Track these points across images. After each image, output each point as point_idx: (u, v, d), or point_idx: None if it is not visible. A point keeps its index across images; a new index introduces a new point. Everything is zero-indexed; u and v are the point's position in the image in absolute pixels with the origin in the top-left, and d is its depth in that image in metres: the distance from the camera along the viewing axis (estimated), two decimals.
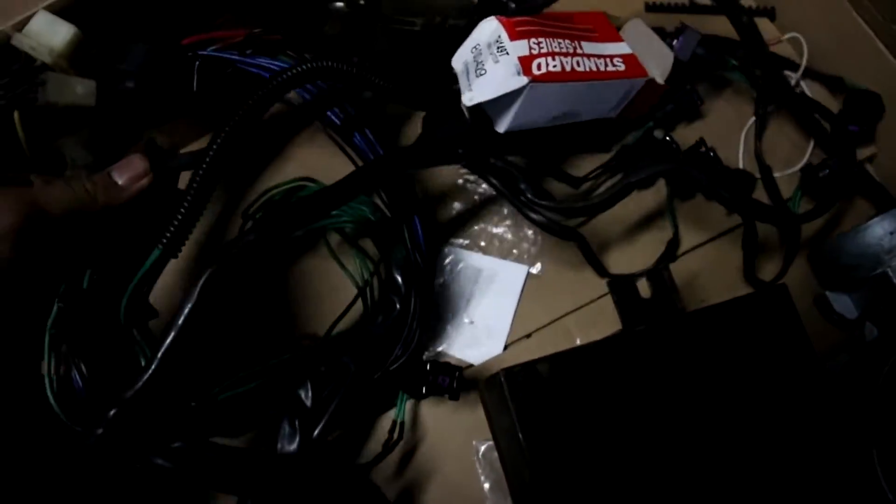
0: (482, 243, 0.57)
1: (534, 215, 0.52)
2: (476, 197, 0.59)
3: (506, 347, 0.55)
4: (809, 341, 0.48)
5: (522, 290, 0.56)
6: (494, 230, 0.58)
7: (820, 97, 0.62)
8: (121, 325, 0.43)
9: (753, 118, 0.61)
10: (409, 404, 0.53)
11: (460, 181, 0.59)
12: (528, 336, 0.56)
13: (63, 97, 0.46)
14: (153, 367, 0.37)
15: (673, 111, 0.59)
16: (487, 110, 0.50)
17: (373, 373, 0.49)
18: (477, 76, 0.48)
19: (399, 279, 0.50)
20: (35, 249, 0.35)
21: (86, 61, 0.48)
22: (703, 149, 0.57)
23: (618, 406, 0.44)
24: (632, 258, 0.58)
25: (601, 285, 0.55)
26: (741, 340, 0.47)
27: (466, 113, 0.49)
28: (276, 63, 0.52)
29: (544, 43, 0.48)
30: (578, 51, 0.50)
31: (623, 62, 0.52)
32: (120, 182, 0.39)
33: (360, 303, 0.53)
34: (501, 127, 0.50)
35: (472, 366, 0.54)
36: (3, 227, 0.33)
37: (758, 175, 0.59)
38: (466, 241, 0.57)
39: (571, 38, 0.51)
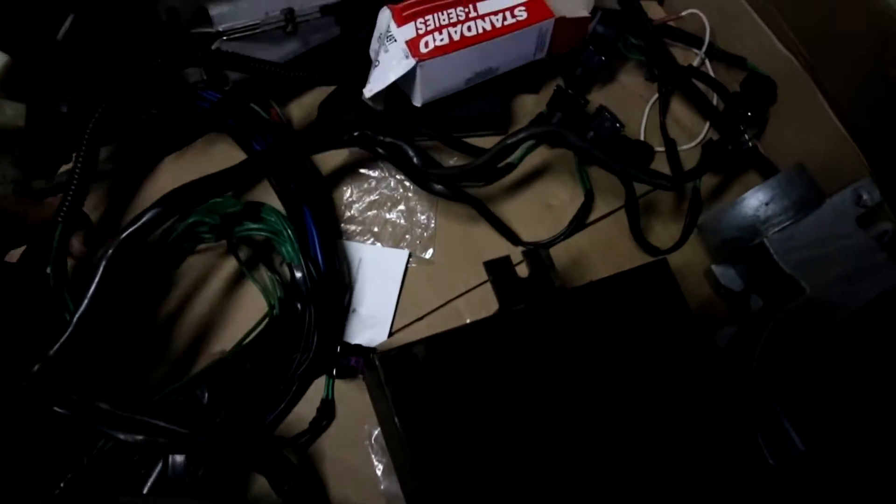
0: (375, 229, 0.58)
1: (430, 184, 0.54)
2: (371, 182, 0.59)
3: (394, 333, 0.56)
4: (691, 314, 0.49)
5: (405, 275, 0.57)
6: (388, 216, 0.58)
7: (723, 76, 0.63)
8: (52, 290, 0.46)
9: (657, 95, 0.62)
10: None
11: (355, 168, 0.60)
12: (421, 319, 0.56)
13: None
14: (70, 329, 0.44)
15: (582, 74, 0.60)
16: (402, 88, 0.52)
17: (270, 370, 0.51)
18: (373, 67, 0.52)
19: (300, 285, 0.51)
20: None
21: (15, 85, 0.50)
22: (607, 114, 0.57)
23: (497, 386, 0.45)
24: (544, 221, 0.59)
25: None
26: (623, 316, 0.47)
27: (371, 104, 0.52)
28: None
29: (431, 20, 0.50)
30: (471, 14, 0.52)
31: (526, 10, 0.53)
32: None
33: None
34: (417, 101, 0.52)
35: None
36: None
37: (658, 148, 0.60)
38: (359, 228, 0.58)
39: (464, 3, 0.52)
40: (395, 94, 0.54)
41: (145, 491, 0.47)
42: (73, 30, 0.53)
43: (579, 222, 0.57)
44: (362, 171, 0.59)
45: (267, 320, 0.53)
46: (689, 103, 0.64)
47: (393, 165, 0.55)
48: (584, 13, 0.56)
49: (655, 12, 0.66)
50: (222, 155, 0.58)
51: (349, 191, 0.59)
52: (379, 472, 0.52)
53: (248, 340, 0.52)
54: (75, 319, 0.44)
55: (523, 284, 0.48)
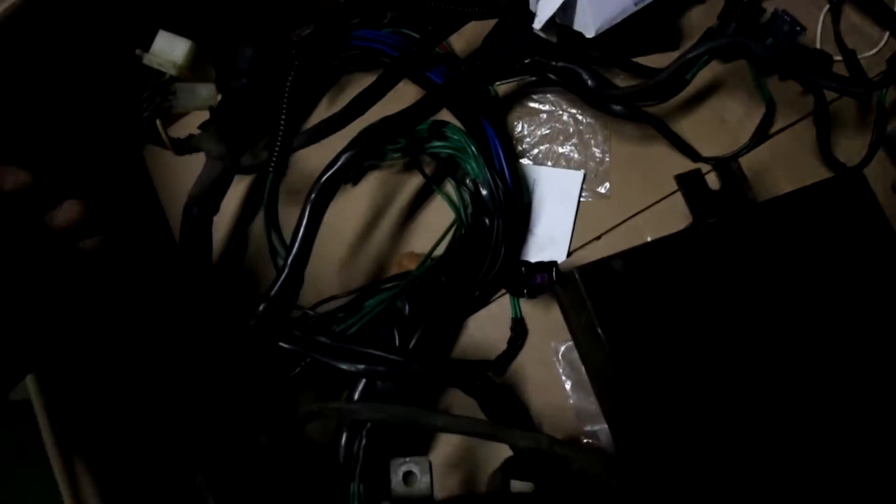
0: (549, 163, 0.58)
1: (608, 105, 0.54)
2: (542, 116, 0.59)
3: (571, 253, 0.56)
4: (890, 226, 0.48)
5: (579, 203, 0.57)
6: (560, 150, 0.58)
7: None
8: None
9: (826, 6, 0.59)
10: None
11: (525, 101, 0.60)
12: (598, 238, 0.56)
13: (192, 103, 0.53)
14: (286, 271, 0.46)
15: None
16: (572, 24, 0.51)
17: (465, 286, 0.52)
18: (538, 1, 0.51)
19: (487, 199, 0.52)
20: None
21: (203, 68, 0.54)
22: (787, 17, 0.54)
23: (694, 299, 0.45)
24: (719, 138, 0.57)
25: (670, 184, 0.55)
26: (818, 229, 0.47)
27: (544, 35, 0.52)
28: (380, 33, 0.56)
29: None
30: None
31: None
32: None
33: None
34: (590, 31, 0.51)
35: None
36: None
37: (836, 58, 0.58)
38: (531, 163, 0.58)
39: None
40: (566, 31, 0.53)
41: (356, 396, 0.49)
42: None
43: (762, 134, 0.56)
44: (532, 104, 0.59)
45: (455, 233, 0.55)
46: (865, 11, 0.60)
47: (567, 90, 0.55)
48: None
49: None
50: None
51: (520, 125, 0.59)
52: (568, 387, 0.53)
53: (439, 254, 0.54)
54: (289, 261, 0.47)
55: (716, 197, 0.47)
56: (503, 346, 0.54)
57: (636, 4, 0.52)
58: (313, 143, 0.53)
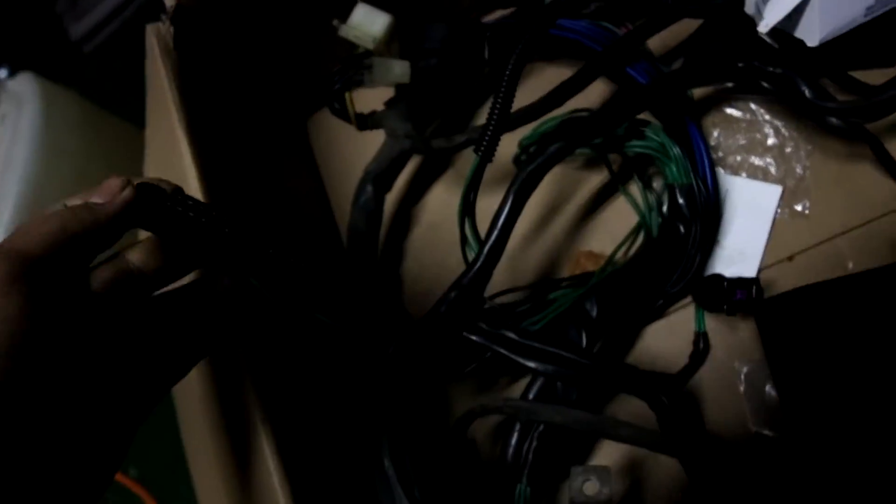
0: (743, 174, 0.55)
1: (825, 117, 0.51)
2: (741, 124, 0.56)
3: (761, 271, 0.53)
4: None
5: (777, 212, 0.54)
6: (757, 162, 0.55)
7: None
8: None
9: None
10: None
11: (722, 107, 0.57)
12: (790, 259, 0.53)
13: (385, 78, 0.52)
14: (481, 259, 0.45)
15: None
16: (793, 31, 0.48)
17: (654, 293, 0.51)
18: (766, 4, 0.48)
19: (683, 206, 0.50)
20: (52, 297, 0.29)
21: (397, 44, 0.53)
22: None
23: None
24: None
25: (875, 208, 0.52)
26: None
27: (769, 40, 0.49)
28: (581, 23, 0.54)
29: None
30: None
31: None
32: (99, 200, 0.33)
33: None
34: (814, 40, 0.47)
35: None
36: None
37: None
38: (726, 172, 0.56)
39: None
40: (783, 36, 0.50)
41: (531, 396, 0.48)
42: None
43: None
44: (730, 111, 0.57)
45: (642, 238, 0.53)
46: None
47: (777, 99, 0.52)
48: None
49: None
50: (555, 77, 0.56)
51: (716, 132, 0.56)
52: (748, 410, 0.50)
53: (620, 257, 0.52)
54: (486, 250, 0.45)
55: None
56: (680, 359, 0.52)
57: (866, 16, 0.49)
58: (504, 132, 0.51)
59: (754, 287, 0.47)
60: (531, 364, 0.45)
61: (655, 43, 0.57)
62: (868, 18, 0.49)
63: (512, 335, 0.46)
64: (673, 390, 0.47)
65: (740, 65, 0.51)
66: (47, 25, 1.13)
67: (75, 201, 0.33)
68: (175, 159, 0.49)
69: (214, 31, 0.54)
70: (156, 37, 0.52)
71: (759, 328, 0.50)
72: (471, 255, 0.48)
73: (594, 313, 0.49)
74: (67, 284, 0.30)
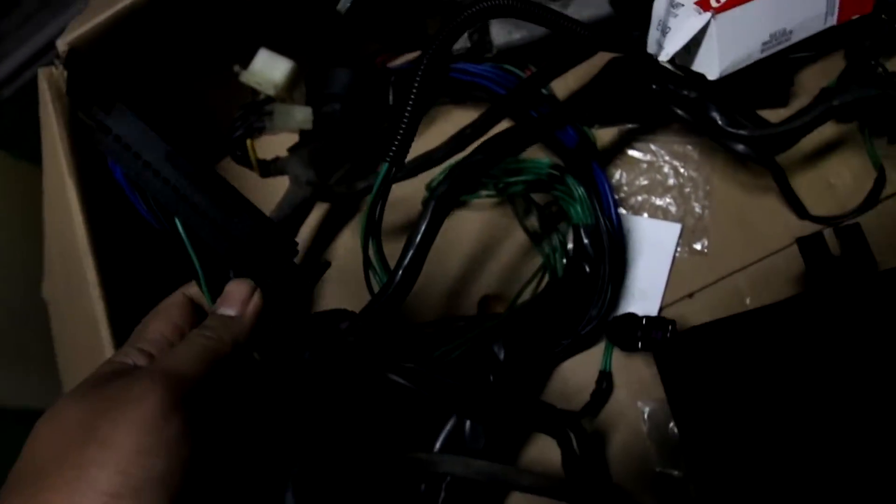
0: (645, 215, 0.56)
1: (732, 143, 0.51)
2: (643, 165, 0.58)
3: (662, 309, 0.54)
4: None
5: (677, 251, 0.55)
6: (658, 202, 0.56)
7: None
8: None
9: None
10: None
11: (628, 151, 0.58)
12: (691, 296, 0.54)
13: (287, 125, 0.51)
14: (397, 280, 0.43)
15: (871, 46, 0.55)
16: (691, 66, 0.50)
17: (562, 333, 0.51)
18: (664, 36, 0.49)
19: (587, 245, 0.51)
20: (201, 419, 0.30)
21: (298, 90, 0.52)
22: None
23: (807, 371, 0.43)
24: (824, 201, 0.55)
25: (771, 244, 0.54)
26: None
27: (672, 68, 0.50)
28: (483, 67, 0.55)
29: None
30: None
31: None
32: (234, 314, 0.34)
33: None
34: (713, 73, 0.49)
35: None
36: (155, 418, 0.28)
37: None
38: (628, 213, 0.57)
39: None
40: (685, 72, 0.51)
41: (438, 445, 0.47)
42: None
43: (873, 199, 0.53)
44: (632, 152, 0.58)
45: (547, 279, 0.53)
46: None
47: (688, 125, 0.53)
48: None
49: None
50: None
51: (618, 173, 0.57)
52: (653, 450, 0.50)
53: (534, 296, 0.52)
54: (401, 272, 0.44)
55: (837, 264, 0.45)
56: (587, 396, 0.52)
57: (762, 52, 0.51)
58: (411, 176, 0.51)
59: (670, 327, 0.48)
60: (436, 400, 0.44)
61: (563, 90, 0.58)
62: (764, 54, 0.51)
63: (418, 369, 0.45)
64: (579, 427, 0.47)
65: (654, 87, 0.52)
66: None
67: (192, 290, 0.35)
68: (63, 207, 0.47)
69: (109, 76, 0.53)
70: (47, 81, 0.51)
71: (659, 368, 0.50)
72: (375, 282, 0.46)
73: (501, 356, 0.48)
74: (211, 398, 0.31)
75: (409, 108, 0.43)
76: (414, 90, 0.43)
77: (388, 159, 0.43)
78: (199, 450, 0.29)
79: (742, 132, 0.50)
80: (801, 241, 0.45)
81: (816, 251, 0.45)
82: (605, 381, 0.51)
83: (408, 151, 0.44)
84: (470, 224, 0.57)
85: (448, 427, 0.47)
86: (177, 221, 0.34)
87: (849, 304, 0.44)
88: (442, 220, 0.45)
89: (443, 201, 0.45)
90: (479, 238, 0.57)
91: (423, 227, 0.44)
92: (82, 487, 0.26)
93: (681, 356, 0.44)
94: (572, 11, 0.56)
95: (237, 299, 0.34)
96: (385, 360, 0.43)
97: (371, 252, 0.46)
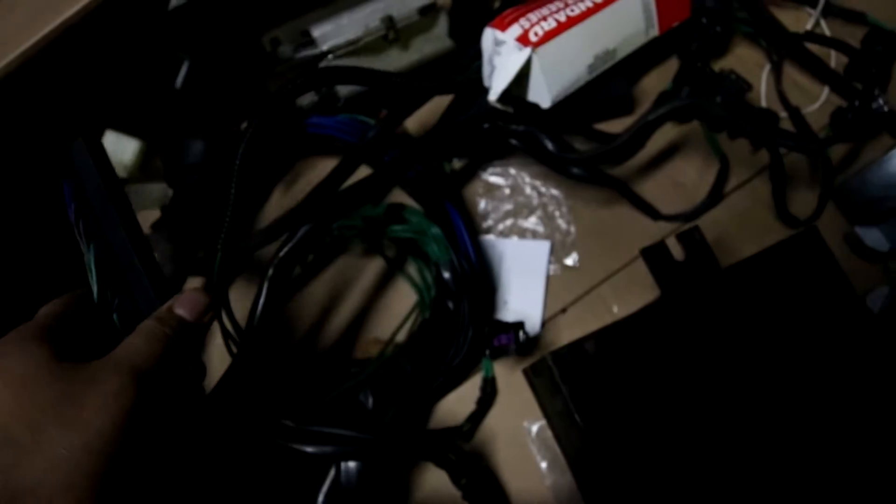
0: (514, 238, 0.58)
1: (568, 168, 0.54)
2: (505, 191, 0.59)
3: (544, 324, 0.56)
4: (848, 281, 0.49)
5: (549, 266, 0.57)
6: (525, 224, 0.58)
7: (840, 34, 0.61)
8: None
9: (769, 65, 0.61)
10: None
11: (489, 178, 0.60)
12: (564, 310, 0.56)
13: (143, 204, 0.53)
14: (243, 349, 0.45)
15: (698, 49, 0.59)
16: (526, 96, 0.52)
17: (431, 372, 0.52)
18: (492, 75, 0.51)
19: (449, 282, 0.52)
20: (146, 401, 0.32)
21: (153, 165, 0.54)
22: (733, 76, 0.57)
23: (667, 372, 0.45)
24: (675, 200, 0.58)
25: (632, 250, 0.56)
26: (781, 290, 0.48)
27: (501, 107, 0.51)
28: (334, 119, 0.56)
29: (533, 15, 0.51)
30: (569, 2, 0.52)
31: None
32: (189, 319, 0.37)
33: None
34: (545, 102, 0.51)
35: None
36: (118, 412, 0.30)
37: (781, 114, 0.59)
38: (498, 239, 0.58)
39: None
40: (521, 103, 0.53)
41: (321, 499, 0.48)
42: (190, 75, 0.54)
43: (717, 193, 0.56)
44: (493, 179, 0.60)
45: (418, 319, 0.54)
46: (796, 74, 0.62)
47: (527, 154, 0.55)
48: None
49: None
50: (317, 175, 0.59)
51: (482, 202, 0.59)
52: (543, 467, 0.52)
53: (403, 342, 0.53)
54: (246, 341, 0.46)
55: (682, 268, 0.47)
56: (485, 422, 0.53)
57: (590, 73, 0.53)
58: (272, 241, 0.52)
59: (520, 332, 0.49)
60: (309, 449, 0.45)
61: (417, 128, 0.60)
62: (593, 75, 0.54)
63: (290, 423, 0.46)
64: (455, 445, 0.48)
65: (486, 125, 0.54)
66: None
67: None
68: None
69: None
70: None
71: (532, 390, 0.52)
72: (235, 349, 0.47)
73: (370, 404, 0.49)
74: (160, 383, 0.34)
75: (231, 196, 0.45)
76: (233, 181, 0.45)
77: (218, 247, 0.45)
78: (145, 436, 0.32)
79: (571, 155, 0.52)
80: (645, 252, 0.47)
81: (660, 259, 0.47)
82: (488, 387, 0.52)
83: (236, 234, 0.46)
84: (345, 272, 0.58)
85: (328, 480, 0.48)
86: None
87: (695, 304, 0.46)
88: (282, 286, 0.47)
89: (279, 271, 0.47)
90: (357, 285, 0.58)
91: (262, 299, 0.46)
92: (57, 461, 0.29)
93: (549, 378, 0.46)
94: (415, 49, 0.58)
95: (194, 306, 0.37)
96: (263, 421, 0.45)
97: (225, 322, 0.47)
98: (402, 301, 0.56)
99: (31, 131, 0.52)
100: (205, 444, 0.45)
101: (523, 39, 0.50)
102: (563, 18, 0.51)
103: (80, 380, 0.31)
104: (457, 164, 0.59)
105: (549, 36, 0.50)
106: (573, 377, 0.44)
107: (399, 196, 0.57)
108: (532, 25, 0.50)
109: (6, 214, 0.53)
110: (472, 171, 0.60)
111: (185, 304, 0.37)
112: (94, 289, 0.39)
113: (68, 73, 0.50)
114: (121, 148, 0.52)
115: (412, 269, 0.56)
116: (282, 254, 0.48)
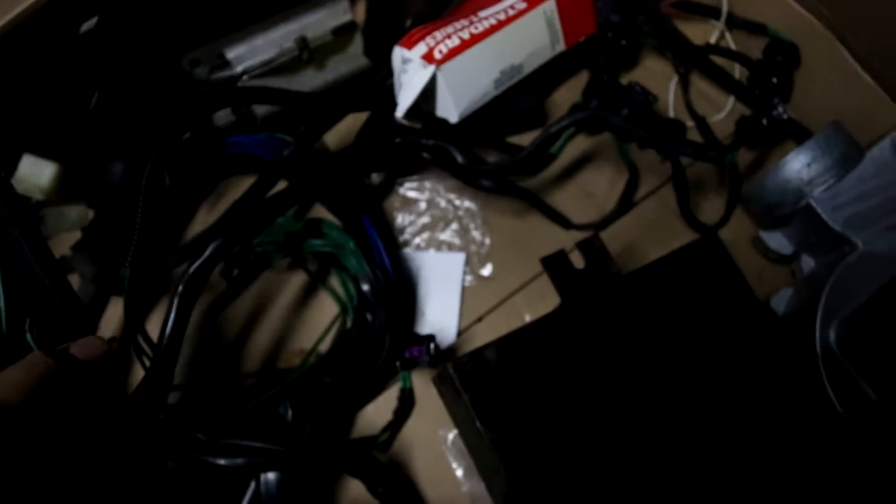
0: (431, 251, 0.59)
1: (478, 180, 0.55)
2: (421, 204, 0.61)
3: (460, 334, 0.57)
4: (747, 284, 0.50)
5: (464, 277, 0.59)
6: (441, 237, 0.60)
7: (744, 45, 0.64)
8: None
9: (676, 77, 0.63)
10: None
11: (406, 193, 0.61)
12: (480, 320, 0.58)
13: (62, 226, 0.53)
14: (153, 366, 0.45)
15: (606, 62, 0.61)
16: (435, 112, 0.53)
17: (349, 383, 0.53)
18: (399, 91, 0.53)
19: (368, 294, 0.53)
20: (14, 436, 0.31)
21: (72, 188, 0.53)
22: (638, 88, 0.59)
23: (569, 378, 0.46)
24: (586, 210, 0.60)
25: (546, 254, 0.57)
26: (681, 294, 0.49)
27: (408, 123, 0.53)
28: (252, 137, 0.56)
29: (438, 33, 0.52)
30: (474, 19, 0.54)
31: (524, 1, 0.55)
32: (79, 357, 0.37)
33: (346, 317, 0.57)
34: (453, 117, 0.52)
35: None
36: None
37: (688, 123, 0.62)
38: (415, 252, 0.60)
39: (465, 15, 0.54)
40: (430, 118, 0.55)
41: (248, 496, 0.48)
42: (103, 97, 0.55)
43: (626, 202, 0.58)
44: (410, 194, 0.61)
45: (338, 331, 0.55)
46: (711, 78, 0.64)
47: (440, 167, 0.56)
48: None
49: None
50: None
51: (400, 216, 0.61)
52: (459, 475, 0.53)
53: (323, 353, 0.54)
54: (155, 359, 0.46)
55: (581, 276, 0.49)
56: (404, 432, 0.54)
57: (497, 88, 0.55)
58: (189, 258, 0.53)
59: (431, 345, 0.51)
60: (221, 461, 0.46)
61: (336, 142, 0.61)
62: (500, 90, 0.55)
63: (202, 436, 0.46)
64: (368, 455, 0.49)
65: (398, 140, 0.55)
66: None
67: None
68: None
69: None
70: None
71: (441, 399, 0.53)
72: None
73: (289, 416, 0.50)
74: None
75: (139, 213, 0.46)
76: (140, 199, 0.46)
77: (127, 265, 0.45)
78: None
79: (482, 168, 0.53)
80: (545, 261, 0.49)
81: (560, 268, 0.49)
82: (405, 397, 0.54)
83: (146, 252, 0.47)
84: (270, 287, 0.59)
85: (249, 493, 0.49)
86: None
87: (593, 310, 0.48)
88: (191, 304, 0.46)
89: (189, 288, 0.46)
90: (281, 298, 0.59)
91: (171, 317, 0.45)
92: None
93: (452, 387, 0.47)
94: (331, 68, 0.60)
95: (90, 349, 0.38)
96: (174, 436, 0.46)
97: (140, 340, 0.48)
98: (325, 313, 0.57)
99: None
100: (116, 462, 0.46)
101: (428, 57, 0.51)
102: (466, 36, 0.52)
103: None
104: (375, 178, 0.61)
105: (453, 53, 0.51)
106: (473, 384, 0.45)
107: (319, 210, 0.59)
108: (437, 43, 0.52)
109: None
110: (390, 186, 0.61)
111: (80, 345, 0.37)
112: (3, 308, 0.40)
113: None
114: (38, 171, 0.52)
115: (335, 281, 0.58)
116: (191, 270, 0.48)
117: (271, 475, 0.49)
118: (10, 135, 0.55)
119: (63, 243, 0.56)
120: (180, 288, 0.47)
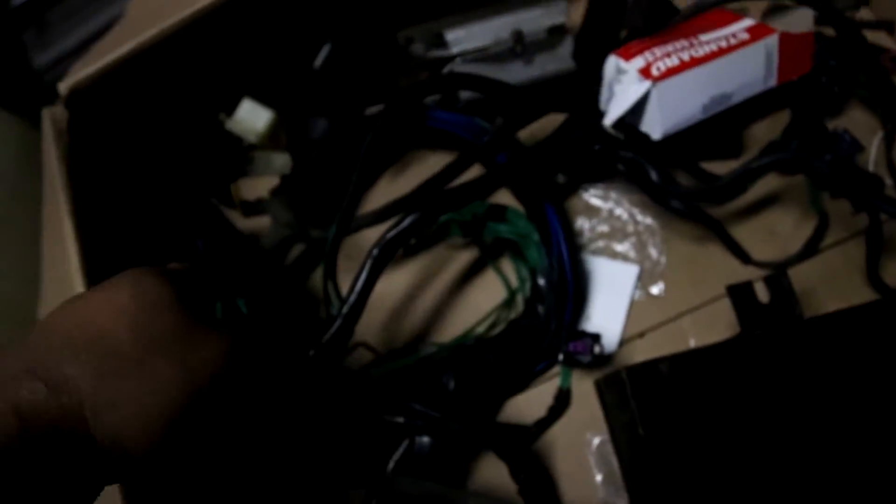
0: (605, 258, 0.60)
1: (669, 200, 0.55)
2: (602, 213, 0.62)
3: (621, 345, 0.58)
4: None
5: (634, 290, 0.59)
6: (617, 248, 0.60)
7: None
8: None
9: (882, 132, 0.62)
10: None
11: (589, 199, 0.62)
12: (642, 335, 0.58)
13: (266, 170, 0.58)
14: (339, 322, 0.47)
15: (814, 105, 0.60)
16: (639, 126, 0.54)
17: (513, 367, 0.54)
18: (610, 100, 0.54)
19: (543, 286, 0.54)
20: None
21: (279, 136, 0.58)
22: (847, 137, 0.57)
23: (736, 408, 0.46)
24: (768, 248, 0.59)
25: (718, 288, 0.57)
26: (861, 351, 0.48)
27: (613, 132, 0.54)
28: (456, 116, 0.59)
29: (658, 50, 0.53)
30: (695, 42, 0.54)
31: (748, 32, 0.54)
32: None
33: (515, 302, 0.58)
34: (656, 134, 0.53)
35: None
36: (218, 372, 0.32)
37: (888, 181, 0.60)
38: (589, 257, 0.60)
39: (686, 35, 0.54)
40: (633, 132, 0.55)
41: (391, 465, 0.50)
42: (330, 58, 0.58)
43: (812, 247, 0.57)
44: (593, 200, 0.62)
45: (506, 316, 0.57)
46: None
47: (629, 181, 0.57)
48: (808, 28, 0.56)
49: (886, 42, 0.65)
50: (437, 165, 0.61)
51: (580, 220, 0.61)
52: (598, 480, 0.53)
53: (491, 334, 0.56)
54: (344, 313, 0.48)
55: (765, 310, 0.49)
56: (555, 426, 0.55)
57: (704, 113, 0.55)
58: (380, 222, 0.55)
59: (596, 344, 0.51)
60: (385, 416, 0.49)
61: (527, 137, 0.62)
62: (706, 115, 0.55)
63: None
64: (521, 441, 0.50)
65: (597, 147, 0.56)
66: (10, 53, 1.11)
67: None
68: (60, 240, 0.51)
69: (108, 117, 0.57)
70: (51, 120, 0.55)
71: (600, 401, 0.53)
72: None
73: (451, 387, 0.52)
74: None
75: (353, 178, 0.49)
76: (358, 165, 0.48)
77: (335, 223, 0.49)
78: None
79: (674, 189, 0.54)
80: (731, 289, 0.49)
81: (744, 298, 0.48)
82: (562, 396, 0.54)
83: (353, 214, 0.51)
84: (436, 262, 0.61)
85: (401, 449, 0.51)
86: None
87: (773, 347, 0.47)
88: (381, 268, 0.49)
89: (382, 253, 0.49)
90: (446, 275, 0.61)
91: (362, 277, 0.48)
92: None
93: (620, 391, 0.47)
94: (538, 65, 0.61)
95: None
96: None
97: (331, 291, 0.51)
98: (489, 297, 0.59)
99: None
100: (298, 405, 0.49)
101: (645, 72, 0.52)
102: (686, 58, 0.53)
103: (196, 328, 0.33)
104: (560, 179, 0.62)
105: (670, 72, 0.52)
106: (643, 394, 0.46)
107: (502, 197, 0.60)
108: (656, 60, 0.52)
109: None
110: (574, 189, 0.62)
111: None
112: None
113: (217, 49, 0.55)
114: (255, 115, 0.56)
115: (507, 267, 0.59)
116: (389, 236, 0.50)
117: (425, 438, 0.50)
118: (234, 79, 0.59)
119: (264, 186, 0.60)
120: (375, 251, 0.50)
